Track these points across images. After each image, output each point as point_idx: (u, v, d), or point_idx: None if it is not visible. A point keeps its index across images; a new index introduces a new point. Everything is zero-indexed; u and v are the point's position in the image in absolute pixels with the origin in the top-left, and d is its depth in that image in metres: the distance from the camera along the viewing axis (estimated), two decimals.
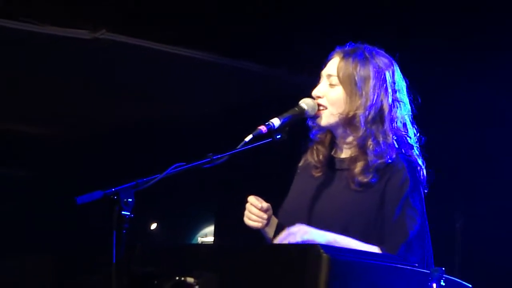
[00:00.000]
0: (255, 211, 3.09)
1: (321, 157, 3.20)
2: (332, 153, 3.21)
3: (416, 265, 2.62)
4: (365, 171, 3.04)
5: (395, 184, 3.01)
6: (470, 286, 2.76)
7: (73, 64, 6.27)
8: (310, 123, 3.15)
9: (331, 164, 3.19)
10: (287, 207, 3.20)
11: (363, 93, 3.06)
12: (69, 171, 7.45)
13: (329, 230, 2.96)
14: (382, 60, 3.14)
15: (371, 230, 2.98)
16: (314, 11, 5.38)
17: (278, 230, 3.14)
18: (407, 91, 3.17)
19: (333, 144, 3.21)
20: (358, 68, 3.08)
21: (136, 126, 7.46)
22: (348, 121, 3.08)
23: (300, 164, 3.30)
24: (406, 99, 3.16)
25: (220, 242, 7.66)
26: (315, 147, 3.22)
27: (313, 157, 3.21)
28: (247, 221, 3.12)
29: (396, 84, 3.14)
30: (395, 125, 3.10)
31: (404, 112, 3.14)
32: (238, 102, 6.91)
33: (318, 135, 3.21)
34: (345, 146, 3.15)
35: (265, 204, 3.10)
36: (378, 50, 3.18)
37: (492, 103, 5.50)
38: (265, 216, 3.10)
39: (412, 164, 3.07)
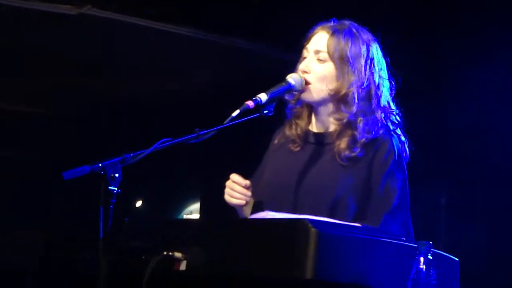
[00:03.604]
0: (238, 188, 3.08)
1: (299, 131, 3.20)
2: (310, 127, 3.21)
3: (404, 239, 2.63)
4: (352, 145, 3.05)
5: (381, 158, 3.04)
6: (457, 259, 2.77)
7: (58, 40, 6.24)
8: (287, 97, 3.14)
9: (310, 139, 3.19)
10: (267, 184, 3.18)
11: (355, 70, 3.07)
12: (56, 148, 7.43)
13: (317, 204, 2.97)
14: (368, 37, 3.16)
15: (358, 203, 3.00)
16: None
17: (256, 208, 3.14)
18: (387, 70, 3.19)
19: (310, 117, 3.21)
20: (349, 45, 3.09)
21: (123, 102, 7.44)
22: (339, 98, 3.09)
23: (276, 141, 3.29)
24: (387, 78, 3.18)
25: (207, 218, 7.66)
26: (293, 122, 3.22)
27: (291, 131, 3.21)
28: (229, 199, 3.11)
29: (380, 62, 3.16)
30: (382, 102, 3.12)
31: (387, 90, 3.16)
32: (227, 79, 6.89)
33: (295, 109, 3.20)
34: (331, 121, 3.15)
35: (248, 182, 3.09)
36: (363, 28, 3.19)
37: (475, 80, 5.51)
38: (248, 193, 3.09)
39: (397, 139, 3.10)
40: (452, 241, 5.44)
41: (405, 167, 3.10)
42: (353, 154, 3.05)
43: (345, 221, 2.92)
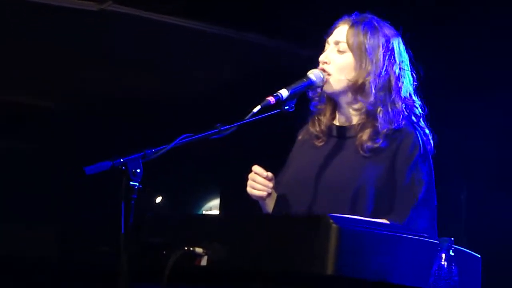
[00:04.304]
0: (260, 179, 3.09)
1: (323, 127, 3.21)
2: (334, 122, 3.21)
3: (426, 235, 2.63)
4: (374, 136, 3.06)
5: (406, 150, 3.05)
6: (479, 256, 2.76)
7: (79, 36, 6.26)
8: (311, 94, 3.17)
9: (334, 133, 3.19)
10: (290, 179, 3.19)
11: (373, 60, 3.09)
12: (77, 143, 7.46)
13: (338, 196, 2.98)
14: (389, 30, 3.19)
15: (381, 196, 2.99)
16: None
17: (279, 203, 3.14)
18: (410, 64, 3.20)
19: (334, 113, 3.22)
20: (368, 36, 3.12)
21: (143, 98, 7.45)
22: (357, 88, 3.11)
23: (300, 137, 3.30)
24: (409, 71, 3.19)
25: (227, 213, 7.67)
26: (316, 118, 3.23)
27: (315, 128, 3.22)
28: (251, 190, 3.12)
29: (402, 55, 3.17)
30: (403, 94, 3.13)
31: (409, 82, 3.17)
32: (245, 75, 6.89)
33: (319, 106, 3.22)
34: (352, 113, 3.16)
35: (270, 173, 3.10)
36: (385, 21, 3.21)
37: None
38: (270, 184, 3.10)
39: (421, 131, 3.10)
40: (474, 237, 5.42)
41: (431, 160, 3.10)
42: (375, 145, 3.05)
43: (364, 214, 2.94)
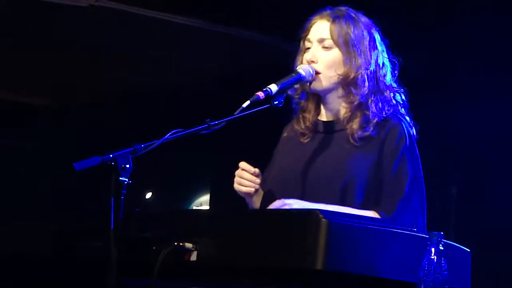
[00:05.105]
0: (247, 176, 3.09)
1: (308, 123, 3.20)
2: (319, 117, 3.21)
3: (415, 229, 2.63)
4: (364, 125, 3.06)
5: (392, 143, 3.05)
6: (468, 250, 2.77)
7: (69, 31, 6.25)
8: (290, 92, 3.12)
9: (320, 128, 3.19)
10: (276, 175, 3.18)
11: (361, 53, 3.09)
12: (66, 139, 7.45)
13: (327, 189, 2.98)
14: (367, 20, 3.20)
15: (370, 187, 3.00)
16: None
17: (266, 199, 3.14)
18: (388, 52, 3.21)
19: (318, 108, 3.21)
20: (352, 29, 3.12)
21: (133, 93, 7.45)
22: (349, 82, 3.10)
23: (285, 134, 3.29)
24: (387, 59, 3.20)
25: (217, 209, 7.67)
26: (301, 116, 3.22)
27: (300, 125, 3.21)
28: (238, 187, 3.12)
29: (381, 43, 3.19)
30: (387, 82, 3.15)
31: (390, 70, 3.18)
32: (235, 70, 6.89)
33: (302, 103, 3.20)
34: (342, 106, 3.15)
35: (257, 170, 3.10)
36: (359, 12, 3.21)
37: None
38: (257, 180, 3.10)
39: (406, 122, 3.11)
40: (464, 231, 5.43)
41: (417, 151, 3.10)
42: (366, 134, 3.05)
43: (354, 205, 2.94)
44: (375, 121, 3.07)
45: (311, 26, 3.17)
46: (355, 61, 3.10)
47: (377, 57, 3.14)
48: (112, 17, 5.98)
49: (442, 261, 2.47)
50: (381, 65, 3.14)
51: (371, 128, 3.07)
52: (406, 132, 3.08)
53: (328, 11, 3.17)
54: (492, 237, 5.38)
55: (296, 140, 3.22)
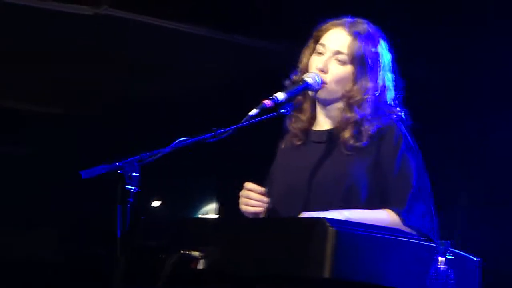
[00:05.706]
0: (255, 196, 3.02)
1: (300, 125, 3.16)
2: (314, 127, 3.18)
3: (423, 238, 2.62)
4: (357, 135, 3.03)
5: (390, 142, 3.03)
6: (477, 259, 2.76)
7: (72, 39, 6.26)
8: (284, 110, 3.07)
9: (314, 137, 3.15)
10: (279, 188, 3.13)
11: (373, 77, 3.06)
12: (73, 147, 7.46)
13: (330, 197, 2.96)
14: (381, 38, 3.14)
15: (372, 187, 2.98)
16: None
17: (272, 213, 3.08)
18: (393, 65, 3.17)
19: (314, 111, 3.17)
20: (370, 50, 3.07)
21: (135, 101, 7.46)
22: (353, 102, 3.07)
23: (282, 146, 3.25)
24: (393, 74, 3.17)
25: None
26: (295, 115, 3.17)
27: (292, 125, 3.17)
28: (246, 208, 3.04)
29: (389, 61, 3.14)
30: (391, 100, 3.11)
31: (393, 87, 3.14)
32: (240, 77, 6.90)
33: (299, 98, 3.14)
34: (340, 117, 3.10)
35: (264, 189, 3.05)
36: (376, 27, 3.16)
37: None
38: (266, 199, 3.04)
39: (403, 124, 3.09)
40: (473, 240, 5.41)
41: (418, 149, 3.07)
42: (357, 144, 3.02)
43: (359, 208, 2.92)
44: (369, 133, 3.04)
45: (327, 30, 3.12)
46: (364, 83, 3.06)
47: (387, 78, 3.10)
48: (116, 25, 5.99)
49: (449, 270, 2.46)
50: (389, 86, 3.10)
51: (364, 139, 3.03)
52: (402, 131, 3.06)
53: (348, 21, 3.12)
54: (504, 245, 5.36)
55: (294, 152, 3.19)
